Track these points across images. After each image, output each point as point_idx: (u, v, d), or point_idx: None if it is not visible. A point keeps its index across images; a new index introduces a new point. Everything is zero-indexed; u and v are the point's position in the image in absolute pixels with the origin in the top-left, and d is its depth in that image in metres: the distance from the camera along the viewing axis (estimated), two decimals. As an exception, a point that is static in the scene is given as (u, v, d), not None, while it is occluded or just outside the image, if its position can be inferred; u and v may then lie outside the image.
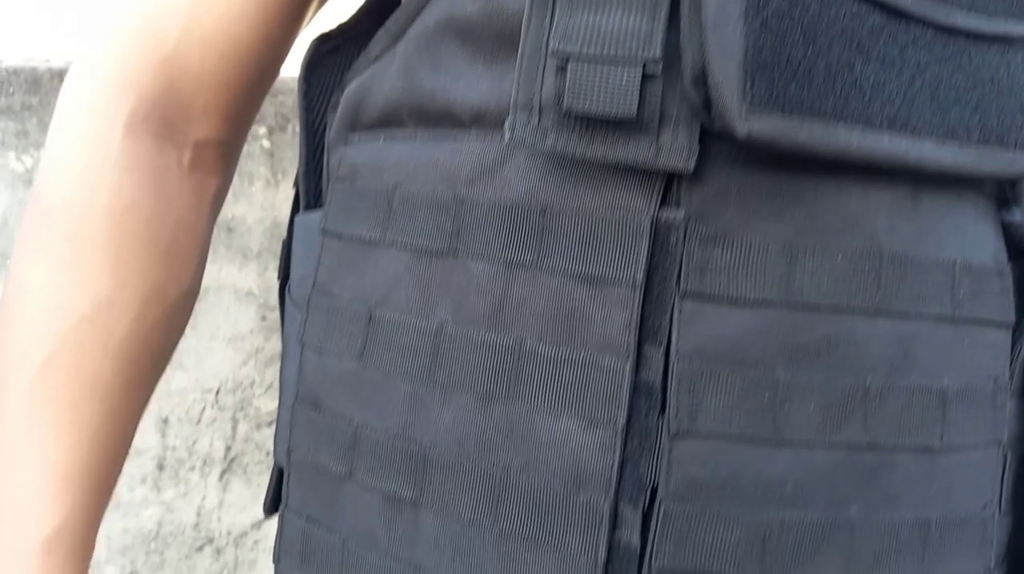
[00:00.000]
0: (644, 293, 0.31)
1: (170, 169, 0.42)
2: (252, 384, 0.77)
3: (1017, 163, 0.33)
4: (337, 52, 0.43)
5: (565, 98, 0.29)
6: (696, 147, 0.30)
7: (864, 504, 0.33)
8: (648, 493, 0.32)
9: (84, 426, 0.39)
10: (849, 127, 0.30)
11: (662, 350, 0.31)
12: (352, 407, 0.37)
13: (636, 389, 0.31)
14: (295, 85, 0.73)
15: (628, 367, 0.31)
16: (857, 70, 0.30)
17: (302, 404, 0.40)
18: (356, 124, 0.39)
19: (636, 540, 0.32)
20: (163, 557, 0.79)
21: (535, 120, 0.30)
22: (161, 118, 0.41)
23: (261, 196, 0.72)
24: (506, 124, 0.30)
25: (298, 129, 0.71)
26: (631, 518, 0.32)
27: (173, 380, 0.75)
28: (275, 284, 0.75)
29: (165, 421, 0.76)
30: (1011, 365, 0.36)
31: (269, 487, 0.45)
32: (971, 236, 0.35)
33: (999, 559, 0.38)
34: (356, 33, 0.43)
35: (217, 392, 0.76)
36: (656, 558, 0.31)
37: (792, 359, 0.32)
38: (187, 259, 0.43)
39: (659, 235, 0.31)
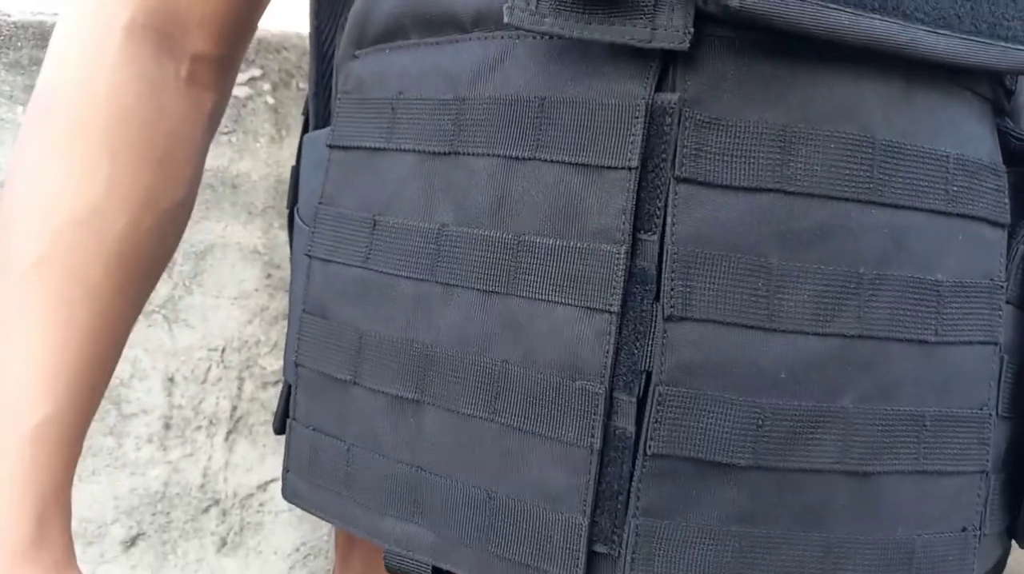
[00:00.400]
0: (639, 178, 0.32)
1: (167, 79, 0.43)
2: (257, 343, 0.78)
3: (1008, 55, 0.33)
4: None
5: None
6: (691, 28, 0.30)
7: (858, 395, 0.33)
8: (643, 380, 0.32)
9: (74, 323, 0.40)
10: (840, 7, 0.30)
11: (657, 237, 0.32)
12: (357, 313, 0.38)
13: (631, 275, 0.32)
14: (299, 40, 0.74)
15: (623, 252, 0.32)
16: None
17: (309, 315, 0.40)
18: (362, 40, 0.40)
19: (631, 428, 0.32)
20: (169, 518, 0.79)
21: (533, 3, 0.31)
22: (160, 28, 0.42)
23: (265, 152, 0.73)
24: (504, 8, 0.31)
25: (302, 85, 0.72)
26: (626, 406, 0.32)
27: (179, 338, 0.76)
28: (281, 241, 0.76)
29: (171, 380, 0.77)
30: (1007, 268, 0.37)
31: (278, 406, 0.45)
32: (966, 132, 0.35)
33: (997, 464, 0.38)
34: None
35: (223, 351, 0.77)
36: (651, 444, 0.32)
37: (785, 246, 0.32)
38: (181, 170, 0.44)
39: (654, 119, 0.31)
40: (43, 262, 0.40)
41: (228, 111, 0.72)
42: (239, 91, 0.74)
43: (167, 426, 0.78)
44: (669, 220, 0.31)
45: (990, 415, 0.36)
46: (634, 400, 0.32)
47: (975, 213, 0.35)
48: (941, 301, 0.34)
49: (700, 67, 0.32)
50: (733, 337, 0.32)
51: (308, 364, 0.41)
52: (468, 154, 0.35)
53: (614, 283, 0.32)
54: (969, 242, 0.35)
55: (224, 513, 0.80)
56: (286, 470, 0.42)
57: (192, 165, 0.45)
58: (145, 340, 0.75)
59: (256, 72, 0.73)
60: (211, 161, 0.74)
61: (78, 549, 0.76)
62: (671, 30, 0.30)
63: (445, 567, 0.36)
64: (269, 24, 0.72)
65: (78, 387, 0.40)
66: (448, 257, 0.35)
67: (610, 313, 0.32)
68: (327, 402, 0.40)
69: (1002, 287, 0.36)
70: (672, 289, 0.31)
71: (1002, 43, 0.33)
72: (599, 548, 0.33)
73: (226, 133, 0.74)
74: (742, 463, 0.32)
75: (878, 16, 0.31)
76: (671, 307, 0.31)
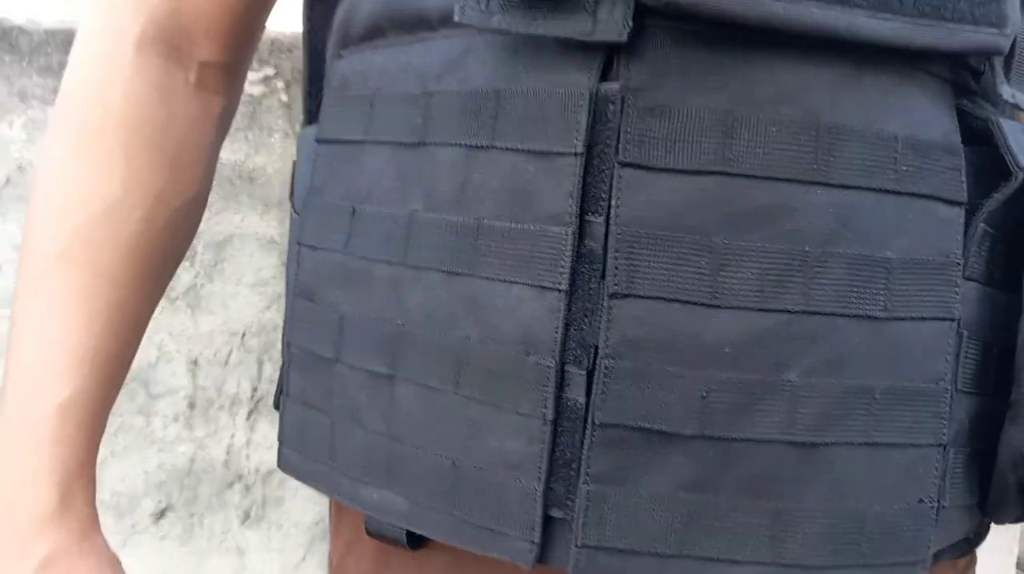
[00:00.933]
0: (586, 164, 0.33)
1: (177, 87, 0.46)
2: (275, 327, 0.81)
3: (955, 36, 0.34)
4: None
5: None
6: (630, 21, 0.32)
7: (804, 369, 0.34)
8: (592, 353, 0.34)
9: (95, 313, 0.43)
10: None
11: (603, 219, 0.33)
12: (339, 296, 0.41)
13: (579, 255, 0.34)
14: (308, 39, 0.77)
15: (571, 233, 0.33)
16: None
17: (299, 298, 0.43)
18: (347, 40, 0.42)
19: (582, 399, 0.34)
20: (196, 492, 0.83)
21: (483, 2, 0.32)
22: (168, 40, 0.46)
23: (280, 147, 0.76)
24: (455, 7, 0.33)
25: (312, 81, 0.75)
26: (576, 378, 0.34)
27: (202, 323, 0.80)
28: (294, 231, 0.79)
29: (195, 362, 0.81)
30: (967, 245, 0.37)
31: (277, 384, 0.48)
32: (919, 114, 0.35)
33: (960, 438, 0.38)
34: None
35: (243, 335, 0.81)
36: (598, 414, 0.33)
37: (729, 226, 0.33)
38: (192, 170, 0.47)
39: (598, 107, 0.33)
40: (64, 256, 0.43)
41: (244, 108, 0.75)
42: (254, 89, 0.77)
43: (192, 406, 0.83)
44: (613, 203, 0.33)
45: (946, 390, 0.37)
46: (584, 373, 0.34)
47: (927, 192, 0.35)
48: (891, 278, 0.35)
49: (643, 57, 0.33)
50: (677, 313, 0.33)
51: (298, 344, 0.43)
52: (434, 144, 0.37)
53: (563, 263, 0.33)
54: (921, 220, 0.35)
55: (247, 488, 0.84)
56: (281, 443, 0.45)
57: (203, 165, 0.48)
58: (170, 325, 0.79)
59: (270, 71, 0.76)
60: (229, 156, 0.77)
61: (111, 521, 0.81)
62: (611, 23, 0.32)
63: (417, 531, 0.38)
64: (282, 25, 0.75)
65: (99, 372, 0.44)
66: (417, 242, 0.37)
67: (559, 291, 0.33)
68: (315, 379, 0.42)
69: (958, 264, 0.36)
70: (616, 267, 0.33)
71: (948, 24, 0.34)
72: (554, 513, 0.35)
73: (243, 129, 0.78)
74: (687, 433, 0.33)
75: (815, 3, 0.32)
76: (615, 285, 0.33)
